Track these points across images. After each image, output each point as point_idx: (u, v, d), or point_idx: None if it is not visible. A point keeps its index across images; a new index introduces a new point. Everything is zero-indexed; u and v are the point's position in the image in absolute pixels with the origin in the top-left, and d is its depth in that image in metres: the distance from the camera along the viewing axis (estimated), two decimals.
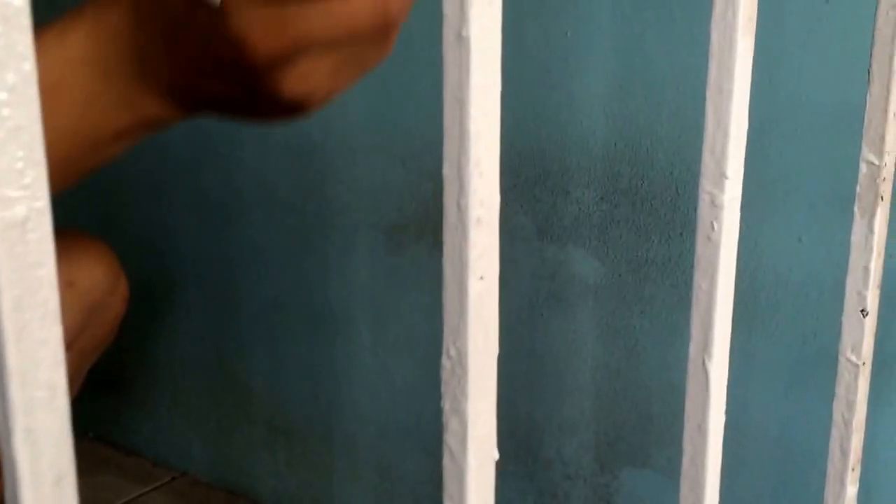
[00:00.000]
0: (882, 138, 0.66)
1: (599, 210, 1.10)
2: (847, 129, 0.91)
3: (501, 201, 0.37)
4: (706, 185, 0.50)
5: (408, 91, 1.21)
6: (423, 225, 1.25)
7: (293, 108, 0.40)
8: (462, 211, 0.34)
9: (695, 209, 1.02)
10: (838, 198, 0.93)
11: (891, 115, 0.65)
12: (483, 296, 0.33)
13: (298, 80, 0.38)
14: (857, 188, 0.68)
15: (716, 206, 0.50)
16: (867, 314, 0.70)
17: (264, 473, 1.55)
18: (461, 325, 0.37)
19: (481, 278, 0.34)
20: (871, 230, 0.68)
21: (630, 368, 1.12)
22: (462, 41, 0.32)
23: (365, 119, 1.27)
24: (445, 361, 0.40)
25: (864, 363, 0.71)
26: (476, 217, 0.35)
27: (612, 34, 1.04)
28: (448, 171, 0.36)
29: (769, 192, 0.98)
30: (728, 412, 0.54)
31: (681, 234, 1.05)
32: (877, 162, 0.66)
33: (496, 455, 0.45)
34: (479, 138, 0.33)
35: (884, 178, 0.67)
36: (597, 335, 1.14)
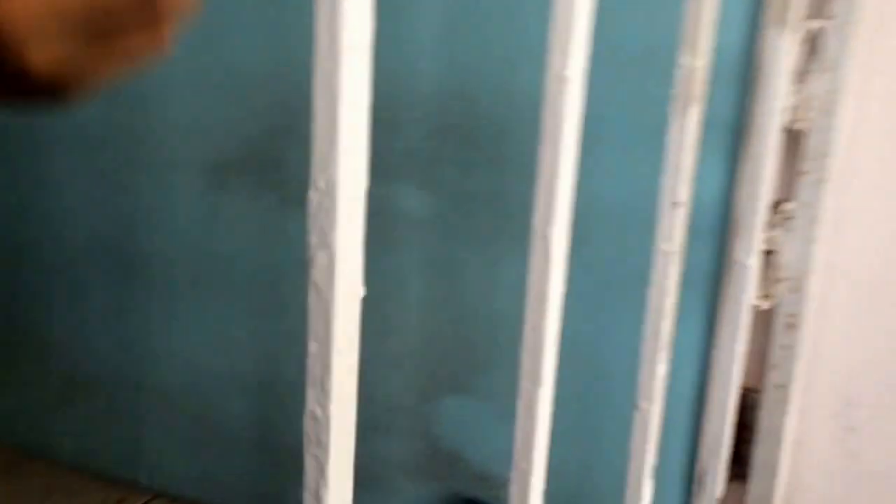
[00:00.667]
0: (695, 43, 0.74)
1: (427, 146, 1.15)
2: (655, 71, 1.01)
3: None
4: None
5: (231, 25, 1.20)
6: (247, 163, 1.25)
7: (46, 90, 0.38)
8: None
9: (518, 144, 1.09)
10: (646, 132, 1.03)
11: (703, 22, 0.74)
12: (354, 126, 0.36)
13: (49, 56, 0.37)
14: (673, 91, 0.77)
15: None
16: (678, 206, 0.79)
17: (63, 430, 1.48)
18: (331, 154, 0.39)
19: (353, 104, 0.37)
20: (684, 128, 0.76)
21: (454, 300, 1.18)
22: None
23: (183, 52, 1.25)
24: (313, 195, 0.41)
25: (676, 252, 0.80)
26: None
27: None
28: None
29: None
30: None
31: (504, 168, 1.11)
32: (691, 64, 0.75)
33: (363, 291, 0.47)
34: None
35: (698, 80, 0.75)
36: (422, 269, 1.19)
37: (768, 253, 1.02)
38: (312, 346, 0.42)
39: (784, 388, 1.05)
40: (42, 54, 0.36)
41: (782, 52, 0.88)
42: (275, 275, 1.27)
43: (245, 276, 1.28)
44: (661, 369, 0.81)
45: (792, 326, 1.03)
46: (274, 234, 1.25)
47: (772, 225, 1.00)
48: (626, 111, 1.05)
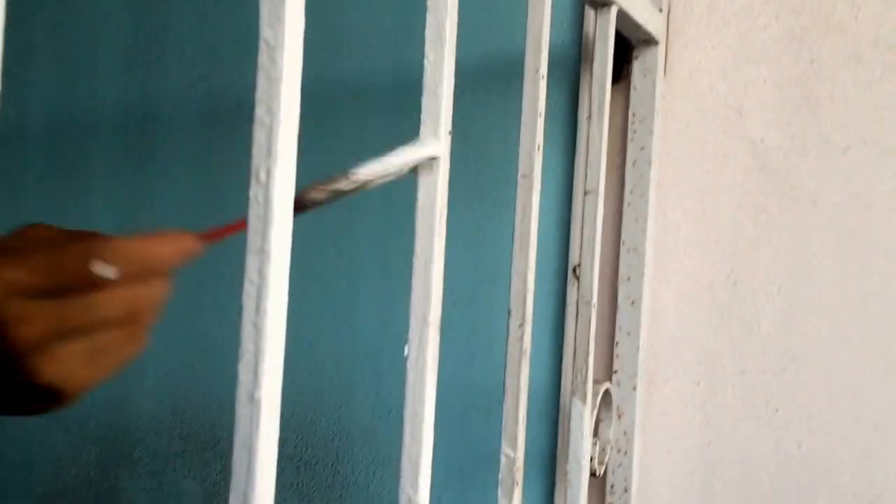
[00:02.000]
0: (515, 436, 0.88)
1: None
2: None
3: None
4: None
5: None
6: (83, 493, 1.27)
7: (49, 396, 0.43)
8: None
9: (353, 472, 1.18)
10: None
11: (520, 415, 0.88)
12: None
13: (56, 364, 0.42)
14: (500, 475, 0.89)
15: None
16: None
17: None
18: None
19: None
20: None
21: None
22: None
23: None
24: None
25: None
26: None
27: None
28: None
29: None
30: None
31: (340, 496, 1.20)
32: (512, 455, 0.88)
33: None
34: None
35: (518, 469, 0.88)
36: None
37: None
38: None
39: None
40: (51, 365, 0.42)
41: (584, 421, 1.02)
42: None
43: None
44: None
45: None
46: None
47: None
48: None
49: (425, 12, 1.19)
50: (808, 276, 1.01)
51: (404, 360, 0.61)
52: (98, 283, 0.43)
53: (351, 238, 1.18)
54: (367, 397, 1.17)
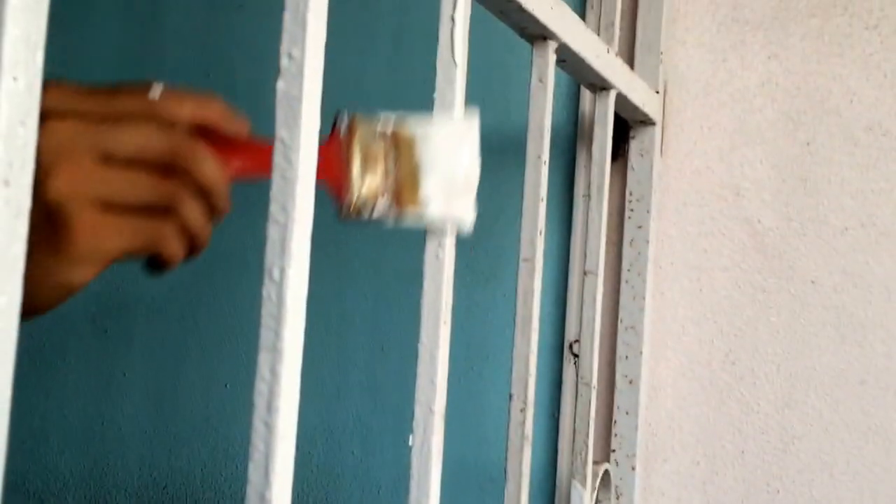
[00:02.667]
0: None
1: None
2: None
3: None
4: None
5: None
6: None
7: (81, 258, 0.43)
8: None
9: None
10: None
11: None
12: None
13: (68, 183, 0.43)
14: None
15: None
16: None
17: None
18: None
19: None
20: None
21: None
22: None
23: None
24: None
25: None
26: None
27: None
28: None
29: None
30: None
31: None
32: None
33: None
34: None
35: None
36: None
37: None
38: None
39: None
40: (60, 180, 0.42)
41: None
42: None
43: None
44: None
45: None
46: None
47: None
48: None
49: (423, 79, 1.20)
50: (808, 355, 1.01)
51: (408, 449, 0.60)
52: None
53: (342, 307, 1.17)
54: (357, 473, 1.15)
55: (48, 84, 0.38)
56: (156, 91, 0.45)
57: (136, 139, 0.44)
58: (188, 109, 0.46)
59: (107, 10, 1.33)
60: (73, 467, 1.26)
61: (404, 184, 0.50)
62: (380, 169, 0.50)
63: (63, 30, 1.31)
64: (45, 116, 0.40)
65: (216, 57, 1.25)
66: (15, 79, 0.27)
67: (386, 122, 0.51)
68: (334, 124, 0.49)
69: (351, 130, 0.50)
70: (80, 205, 0.43)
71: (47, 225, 0.42)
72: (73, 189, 0.43)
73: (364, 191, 0.50)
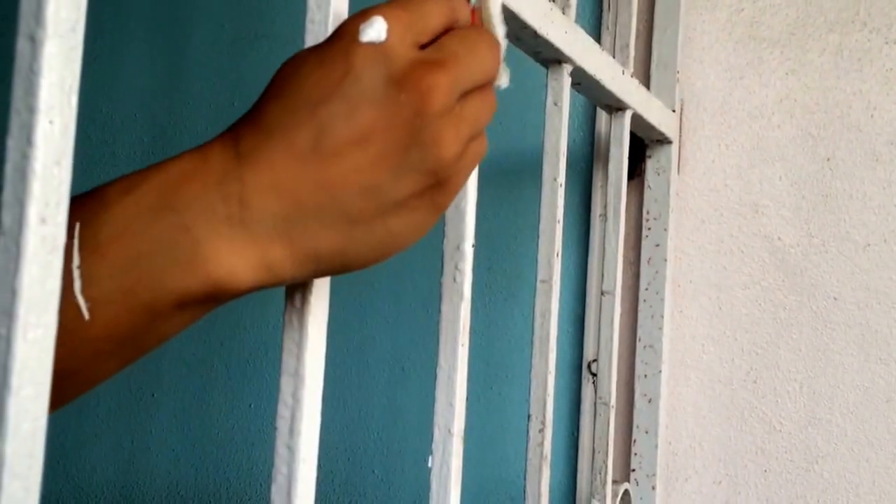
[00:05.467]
0: None
1: None
2: None
3: None
4: None
5: None
6: None
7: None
8: None
9: None
10: None
11: None
12: None
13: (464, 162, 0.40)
14: None
15: None
16: None
17: None
18: None
19: None
20: None
21: None
22: None
23: None
24: None
25: None
26: None
27: None
28: None
29: None
30: None
31: None
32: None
33: None
34: None
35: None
36: None
37: None
38: None
39: None
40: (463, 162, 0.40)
41: None
42: None
43: None
44: None
45: None
46: None
47: None
48: None
49: None
50: (831, 373, 1.00)
51: (428, 470, 0.60)
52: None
53: (363, 330, 1.17)
54: (378, 493, 1.15)
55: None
56: None
57: (484, 65, 0.41)
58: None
59: (136, 43, 1.35)
60: (105, 486, 1.27)
61: None
62: None
63: (94, 61, 1.33)
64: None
65: (241, 86, 1.27)
66: (51, 122, 0.28)
67: None
68: None
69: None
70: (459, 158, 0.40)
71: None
72: (459, 147, 0.39)
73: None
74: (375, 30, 0.37)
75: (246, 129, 0.37)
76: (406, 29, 0.38)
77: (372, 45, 0.37)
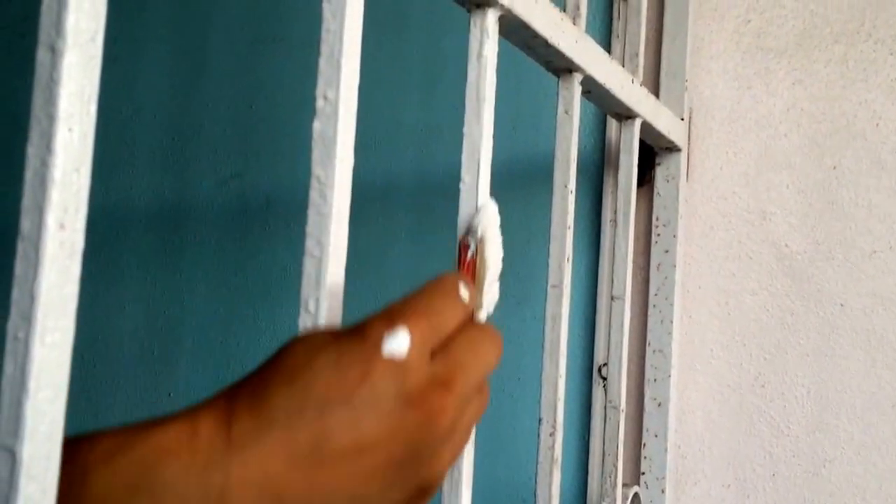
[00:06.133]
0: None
1: None
2: None
3: None
4: None
5: None
6: None
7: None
8: None
9: None
10: None
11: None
12: None
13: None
14: None
15: None
16: None
17: None
18: None
19: None
20: None
21: None
22: None
23: None
24: None
25: None
26: None
27: None
28: None
29: None
30: None
31: None
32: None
33: None
34: None
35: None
36: None
37: None
38: None
39: None
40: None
41: None
42: None
43: None
44: None
45: None
46: None
47: None
48: None
49: (447, 113, 1.22)
50: (838, 378, 1.01)
51: None
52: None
53: None
54: None
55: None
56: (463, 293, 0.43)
57: (488, 363, 0.42)
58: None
59: (154, 45, 1.37)
60: None
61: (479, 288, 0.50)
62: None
63: (113, 64, 1.36)
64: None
65: (258, 89, 1.29)
66: (70, 130, 0.28)
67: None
68: (460, 247, 0.49)
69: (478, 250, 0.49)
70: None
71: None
72: (453, 462, 0.41)
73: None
74: (398, 343, 0.37)
75: (244, 407, 0.36)
76: (425, 341, 0.38)
77: (392, 359, 0.37)
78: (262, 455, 0.34)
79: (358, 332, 0.38)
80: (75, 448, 0.34)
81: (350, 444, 0.35)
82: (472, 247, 0.48)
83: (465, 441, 0.42)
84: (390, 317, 0.38)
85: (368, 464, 0.36)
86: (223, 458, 0.34)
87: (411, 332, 0.37)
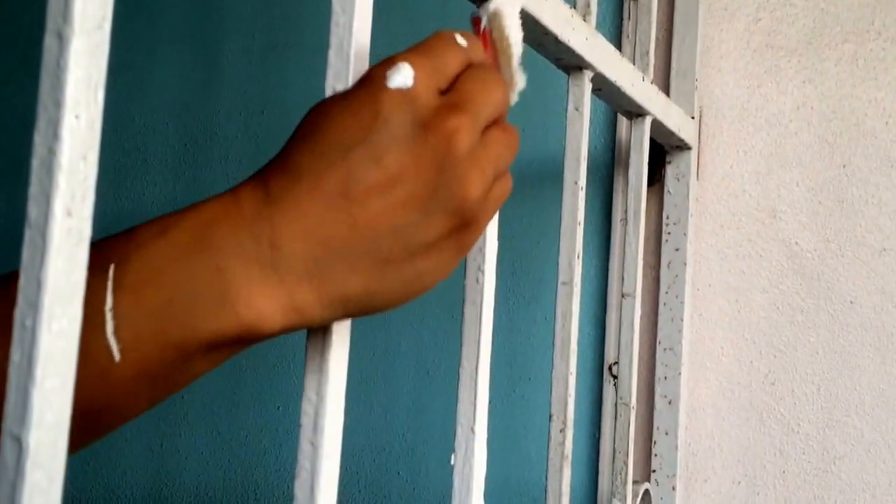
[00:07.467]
0: None
1: None
2: None
3: None
4: None
5: None
6: None
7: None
8: None
9: None
10: None
11: None
12: None
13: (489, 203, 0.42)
14: None
15: None
16: None
17: None
18: None
19: None
20: None
21: None
22: None
23: None
24: None
25: None
26: None
27: None
28: None
29: None
30: None
31: None
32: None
33: None
34: None
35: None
36: None
37: None
38: None
39: None
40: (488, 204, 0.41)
41: None
42: None
43: None
44: None
45: None
46: None
47: None
48: None
49: None
50: (848, 376, 1.01)
51: (450, 467, 0.61)
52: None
53: (388, 334, 1.19)
54: (403, 493, 1.17)
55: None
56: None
57: (497, 100, 0.42)
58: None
59: (168, 52, 1.37)
60: (135, 487, 1.30)
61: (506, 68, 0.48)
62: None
63: (126, 71, 1.37)
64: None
65: (271, 95, 1.30)
66: (77, 117, 0.28)
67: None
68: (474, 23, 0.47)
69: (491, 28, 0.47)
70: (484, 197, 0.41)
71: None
72: (484, 186, 0.40)
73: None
74: (402, 76, 0.38)
75: (275, 172, 0.38)
76: (429, 75, 0.39)
77: (399, 90, 0.37)
78: (297, 203, 0.36)
79: (362, 80, 0.39)
80: (123, 234, 0.36)
81: (377, 178, 0.37)
82: (485, 20, 0.46)
83: (493, 205, 0.43)
84: (391, 59, 0.39)
85: (400, 193, 0.37)
86: (265, 212, 0.36)
87: (414, 66, 0.38)
